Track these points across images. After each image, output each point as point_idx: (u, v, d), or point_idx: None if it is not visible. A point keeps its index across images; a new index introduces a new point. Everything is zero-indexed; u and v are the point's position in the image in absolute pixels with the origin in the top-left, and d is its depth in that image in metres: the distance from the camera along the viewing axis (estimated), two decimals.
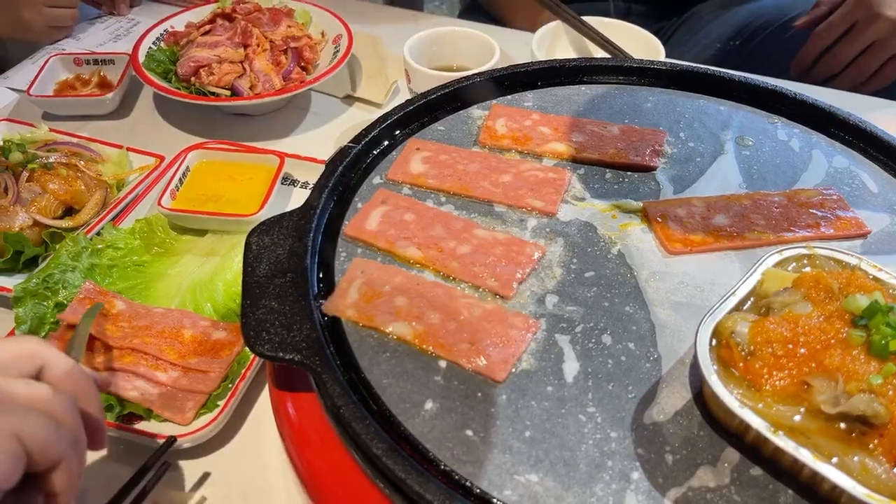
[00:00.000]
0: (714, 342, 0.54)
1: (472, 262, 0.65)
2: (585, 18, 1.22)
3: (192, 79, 1.07)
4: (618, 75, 0.90)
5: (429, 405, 0.55)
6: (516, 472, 0.51)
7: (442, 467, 0.52)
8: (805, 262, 0.60)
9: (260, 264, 0.64)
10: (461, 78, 0.86)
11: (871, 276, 0.58)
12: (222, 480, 0.71)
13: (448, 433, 0.53)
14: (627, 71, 0.90)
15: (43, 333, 0.78)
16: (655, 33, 1.82)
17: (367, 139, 0.78)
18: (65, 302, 0.80)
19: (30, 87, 1.11)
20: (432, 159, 0.75)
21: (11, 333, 0.77)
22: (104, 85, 1.16)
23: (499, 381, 0.56)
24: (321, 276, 0.65)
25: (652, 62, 0.90)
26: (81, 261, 0.83)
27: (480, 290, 0.63)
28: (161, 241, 0.90)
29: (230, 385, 0.74)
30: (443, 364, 0.58)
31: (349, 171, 0.76)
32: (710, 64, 1.22)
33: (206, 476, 0.71)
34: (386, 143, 0.80)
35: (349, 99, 1.19)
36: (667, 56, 1.33)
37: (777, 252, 0.60)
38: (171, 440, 0.66)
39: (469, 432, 0.53)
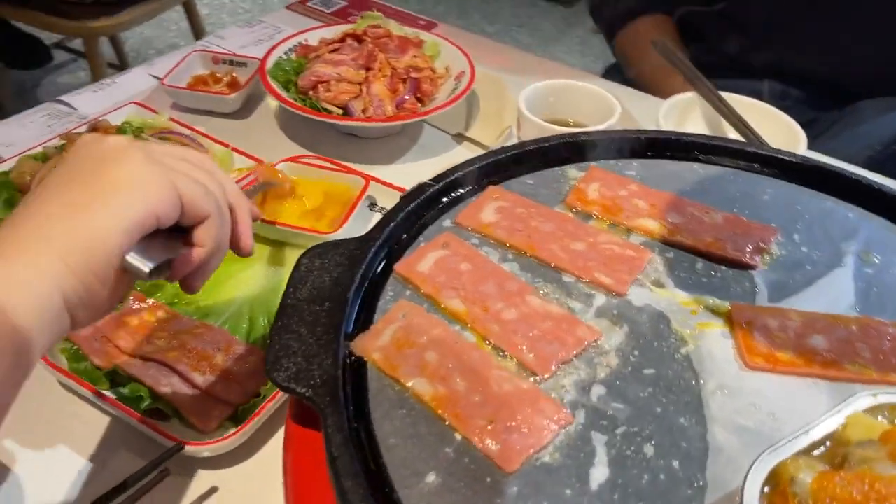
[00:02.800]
0: (768, 487, 0.45)
1: (515, 330, 0.59)
2: (726, 95, 1.13)
3: (310, 92, 1.09)
4: (738, 159, 0.82)
5: (431, 478, 0.50)
6: None
7: None
8: None
9: (303, 287, 0.62)
10: (564, 133, 0.82)
11: None
12: (228, 497, 0.69)
13: None
14: (750, 156, 0.81)
15: None
16: (810, 123, 1.70)
17: (448, 179, 0.74)
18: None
19: (165, 77, 1.17)
20: (507, 210, 0.71)
21: None
22: (234, 85, 1.21)
23: (508, 472, 0.50)
24: (362, 312, 0.62)
25: (779, 151, 0.81)
26: None
27: (516, 363, 0.57)
28: None
29: (259, 402, 0.72)
30: (458, 437, 0.52)
31: (422, 209, 0.72)
32: (864, 166, 1.10)
33: (213, 490, 0.69)
34: (469, 187, 0.76)
35: (460, 137, 1.17)
36: (818, 150, 1.22)
37: (872, 394, 0.50)
38: (179, 447, 0.65)
39: None
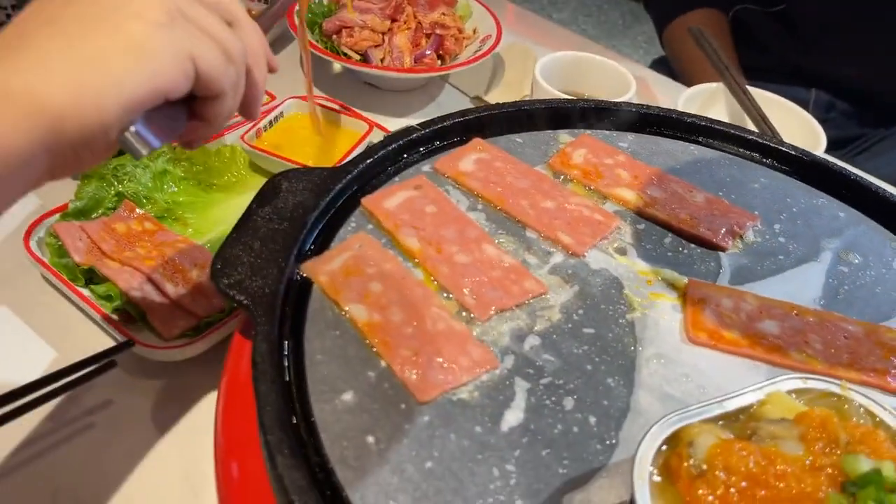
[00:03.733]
0: (667, 447, 0.45)
1: (463, 273, 0.59)
2: (752, 90, 1.10)
3: (334, 36, 1.10)
4: (737, 146, 0.80)
5: (347, 397, 0.51)
6: (394, 499, 0.46)
7: (324, 461, 0.47)
8: (832, 402, 0.49)
9: (267, 204, 0.63)
10: (565, 99, 0.81)
11: None
12: (171, 406, 0.71)
13: (350, 432, 0.49)
14: (750, 144, 0.80)
15: (95, 215, 0.83)
16: (854, 139, 1.65)
17: (437, 127, 0.75)
18: (124, 192, 0.84)
19: None
20: (486, 163, 0.71)
21: (64, 207, 0.81)
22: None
23: (421, 401, 0.50)
24: (321, 238, 0.63)
25: (780, 142, 0.79)
26: (157, 163, 0.87)
27: (461, 308, 0.58)
28: (237, 170, 0.93)
29: (222, 317, 0.74)
30: (382, 364, 0.53)
31: (407, 150, 0.73)
32: None
33: (158, 394, 0.71)
34: (457, 138, 0.76)
35: (478, 100, 1.17)
36: (859, 166, 1.17)
37: (802, 378, 0.49)
38: (129, 343, 0.67)
39: (371, 439, 0.48)
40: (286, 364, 0.52)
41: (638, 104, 0.82)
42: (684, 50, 1.55)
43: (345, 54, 1.08)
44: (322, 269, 0.59)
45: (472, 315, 0.57)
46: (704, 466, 0.43)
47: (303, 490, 0.44)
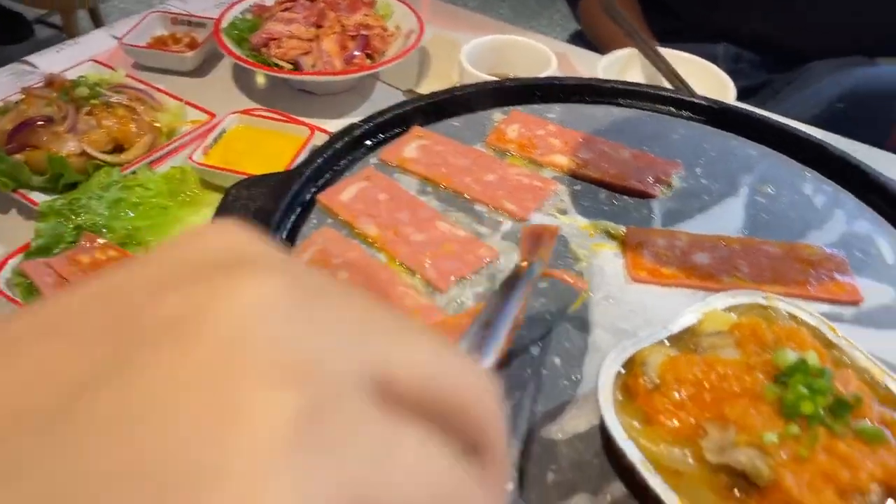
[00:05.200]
0: (624, 370, 0.51)
1: (422, 250, 0.64)
2: (664, 51, 1.18)
3: (262, 49, 1.13)
4: (655, 102, 0.87)
5: None
6: None
7: None
8: (759, 312, 0.55)
9: (229, 214, 0.67)
10: (493, 80, 0.87)
11: (823, 339, 0.53)
12: None
13: None
14: (665, 100, 0.87)
15: (56, 250, 0.85)
16: (764, 85, 1.75)
17: (378, 121, 0.79)
18: (83, 225, 0.86)
19: (123, 37, 1.21)
20: (428, 148, 0.76)
21: (26, 247, 0.83)
22: (193, 45, 1.25)
23: None
24: (285, 238, 0.67)
25: (690, 94, 0.86)
26: (110, 192, 0.90)
27: (424, 283, 0.63)
28: (189, 190, 0.95)
29: None
30: None
31: (353, 147, 0.77)
32: (812, 124, 1.15)
33: None
34: (399, 129, 0.81)
35: (411, 93, 1.21)
36: (770, 109, 1.25)
37: (731, 295, 0.56)
38: None
39: None
40: None
41: (560, 76, 0.88)
42: (598, 22, 1.63)
43: (276, 65, 1.11)
44: None
45: (435, 288, 0.62)
46: (658, 381, 0.49)
47: None
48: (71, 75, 1.07)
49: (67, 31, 2.47)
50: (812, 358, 0.48)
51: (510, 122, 0.81)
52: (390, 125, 0.80)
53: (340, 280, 0.62)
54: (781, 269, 0.65)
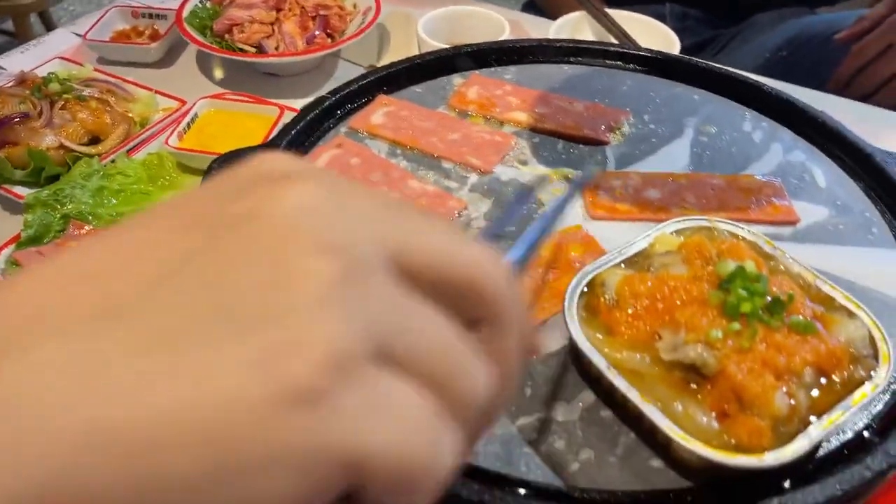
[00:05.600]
0: (586, 291, 0.57)
1: None
2: (615, 12, 1.23)
3: (226, 35, 1.17)
4: (604, 58, 0.93)
5: None
6: None
7: None
8: (704, 233, 0.62)
9: None
10: (451, 47, 0.92)
11: (761, 251, 0.59)
12: None
13: None
14: (612, 55, 0.92)
15: (46, 240, 0.88)
16: (711, 41, 1.82)
17: (344, 92, 0.84)
18: (69, 214, 0.90)
19: (86, 33, 1.23)
20: (393, 114, 0.81)
21: (17, 238, 0.87)
22: (155, 37, 1.27)
23: None
24: None
25: (636, 48, 0.92)
26: (92, 181, 0.93)
27: None
28: (168, 174, 0.99)
29: None
30: None
31: (322, 119, 0.82)
32: (758, 73, 1.21)
33: None
34: (365, 99, 0.85)
35: (372, 69, 1.26)
36: (719, 63, 1.31)
37: (678, 221, 0.62)
38: None
39: None
40: None
41: (513, 39, 0.93)
42: None
43: (240, 49, 1.15)
44: None
45: None
46: (616, 297, 0.55)
47: None
48: (40, 73, 1.10)
49: (21, 36, 2.46)
50: (750, 266, 0.54)
51: (470, 85, 0.86)
52: (357, 95, 0.85)
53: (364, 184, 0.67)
54: (725, 198, 0.71)
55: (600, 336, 0.54)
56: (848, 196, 0.73)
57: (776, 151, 0.78)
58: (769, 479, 0.49)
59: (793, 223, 0.70)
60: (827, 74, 1.46)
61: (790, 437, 0.48)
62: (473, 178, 0.74)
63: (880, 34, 1.26)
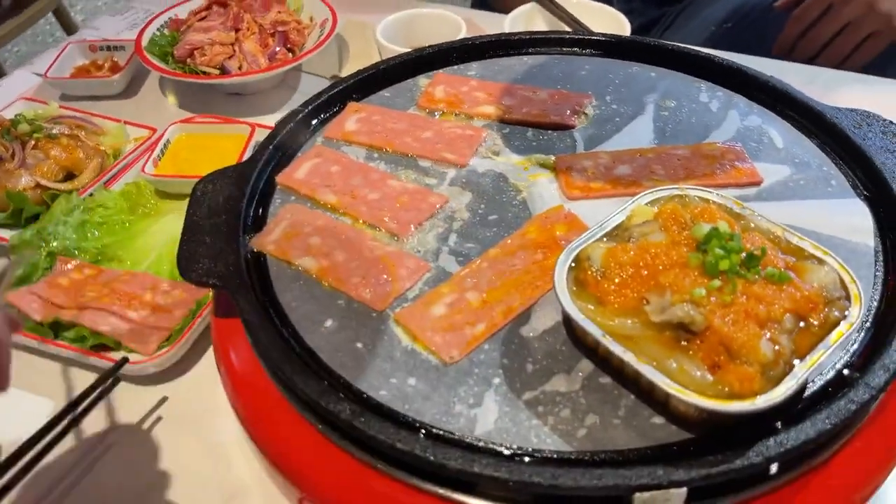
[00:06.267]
0: (573, 266, 0.60)
1: (379, 207, 0.72)
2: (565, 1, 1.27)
3: (188, 60, 1.18)
4: (560, 46, 0.96)
5: (329, 323, 0.63)
6: (393, 377, 0.58)
7: (330, 372, 0.59)
8: (675, 200, 0.65)
9: (201, 207, 0.73)
10: (413, 50, 0.94)
11: (732, 212, 0.63)
12: (178, 403, 0.80)
13: (341, 346, 0.61)
14: (568, 42, 0.96)
15: (35, 278, 0.89)
16: (659, 19, 1.87)
17: (316, 104, 0.86)
18: (55, 251, 0.91)
19: (47, 71, 1.23)
20: (366, 119, 0.83)
21: None
22: (115, 69, 1.28)
23: (377, 310, 0.63)
24: (256, 218, 0.74)
25: (591, 33, 0.96)
26: (73, 216, 0.94)
27: (389, 235, 0.70)
28: (147, 202, 1.01)
29: (190, 320, 0.83)
30: (343, 294, 0.65)
31: (298, 132, 0.84)
32: (706, 46, 1.26)
33: (164, 399, 0.81)
34: (336, 108, 0.88)
35: (336, 79, 1.28)
36: (668, 40, 1.35)
37: (651, 192, 0.66)
38: (124, 360, 0.76)
39: (359, 345, 0.61)
40: (272, 315, 0.63)
41: (471, 37, 0.96)
42: None
43: (204, 72, 1.16)
44: (267, 241, 0.70)
45: (397, 236, 0.70)
46: (602, 269, 0.58)
47: (323, 392, 0.56)
48: (6, 116, 1.10)
49: None
50: (723, 226, 0.58)
51: (436, 84, 0.89)
52: (328, 105, 0.87)
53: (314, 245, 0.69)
54: (691, 166, 0.75)
55: (592, 307, 0.57)
56: (805, 153, 0.77)
57: (733, 118, 0.82)
58: (763, 422, 0.53)
59: (757, 184, 0.74)
60: (771, 41, 1.52)
61: (778, 380, 0.51)
62: (451, 172, 0.77)
63: None
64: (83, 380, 0.82)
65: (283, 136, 0.82)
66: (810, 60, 1.41)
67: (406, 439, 0.53)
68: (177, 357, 0.81)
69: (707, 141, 0.79)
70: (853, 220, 0.70)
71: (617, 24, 1.21)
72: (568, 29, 1.21)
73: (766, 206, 0.71)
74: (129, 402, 0.80)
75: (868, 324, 0.60)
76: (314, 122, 0.86)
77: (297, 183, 0.76)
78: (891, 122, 0.79)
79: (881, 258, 0.66)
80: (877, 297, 0.63)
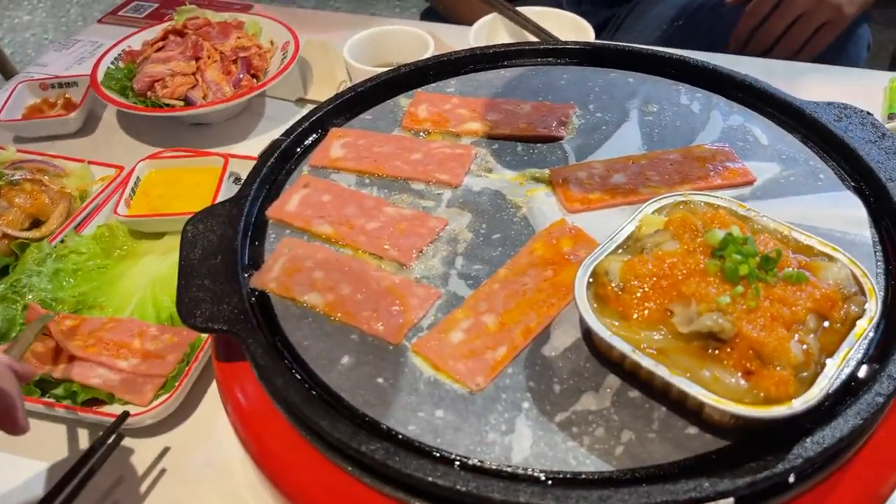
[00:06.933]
0: (591, 281, 0.60)
1: (378, 235, 0.71)
2: (523, 9, 1.28)
3: (148, 93, 1.14)
4: (535, 57, 0.96)
5: (345, 360, 0.61)
6: (420, 410, 0.57)
7: (354, 411, 0.58)
8: (681, 207, 0.65)
9: (194, 249, 0.71)
10: (388, 70, 0.93)
11: (737, 215, 0.63)
12: (181, 453, 0.77)
13: (361, 383, 0.59)
14: (543, 52, 0.96)
15: (14, 334, 0.85)
16: (608, 20, 1.89)
17: (297, 132, 0.84)
18: (32, 302, 0.87)
19: None
20: (351, 144, 0.82)
21: None
22: (69, 106, 1.23)
23: (393, 343, 0.62)
24: (252, 256, 0.72)
25: (565, 42, 0.96)
26: (46, 266, 0.90)
27: (393, 264, 0.69)
28: (122, 244, 0.97)
29: (185, 367, 0.80)
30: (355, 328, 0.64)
31: (282, 162, 0.82)
32: (658, 45, 1.28)
33: (166, 450, 0.77)
34: (316, 134, 0.86)
35: (301, 101, 1.26)
36: (620, 39, 1.37)
37: (655, 200, 0.66)
38: (125, 414, 0.73)
39: (380, 380, 0.59)
40: (286, 357, 0.61)
41: (446, 53, 0.95)
42: None
43: (167, 105, 1.13)
44: (268, 278, 0.68)
45: (401, 264, 0.69)
46: (622, 283, 0.58)
47: (353, 434, 0.54)
48: None
49: None
50: (736, 231, 0.58)
51: (418, 104, 0.88)
52: (308, 133, 0.85)
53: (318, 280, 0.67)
54: (684, 170, 0.76)
55: (615, 322, 0.57)
56: (790, 149, 0.79)
57: (716, 119, 0.83)
58: (794, 423, 0.53)
59: (750, 183, 0.75)
60: (723, 37, 1.55)
61: (811, 382, 0.52)
62: (447, 193, 0.76)
63: None
64: (79, 437, 0.78)
65: (268, 168, 0.80)
66: (764, 53, 1.45)
67: (446, 474, 0.52)
68: (175, 405, 0.78)
69: (695, 143, 0.80)
70: (847, 212, 0.71)
71: (579, 29, 1.22)
72: (532, 38, 1.21)
73: (762, 204, 0.72)
74: (129, 457, 0.76)
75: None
76: (298, 150, 0.84)
77: (290, 216, 0.74)
78: (868, 112, 0.81)
79: (880, 248, 0.68)
80: (882, 287, 0.64)
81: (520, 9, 1.27)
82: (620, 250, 0.62)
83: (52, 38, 4.11)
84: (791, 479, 0.51)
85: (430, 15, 1.91)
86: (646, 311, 0.57)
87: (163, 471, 0.76)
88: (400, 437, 0.56)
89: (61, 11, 4.38)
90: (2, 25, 4.09)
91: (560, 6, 1.78)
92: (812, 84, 1.26)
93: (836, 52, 1.39)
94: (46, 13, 4.40)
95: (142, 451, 0.77)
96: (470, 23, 1.55)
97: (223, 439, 0.79)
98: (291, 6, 1.61)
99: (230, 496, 0.73)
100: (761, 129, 0.82)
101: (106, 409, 0.77)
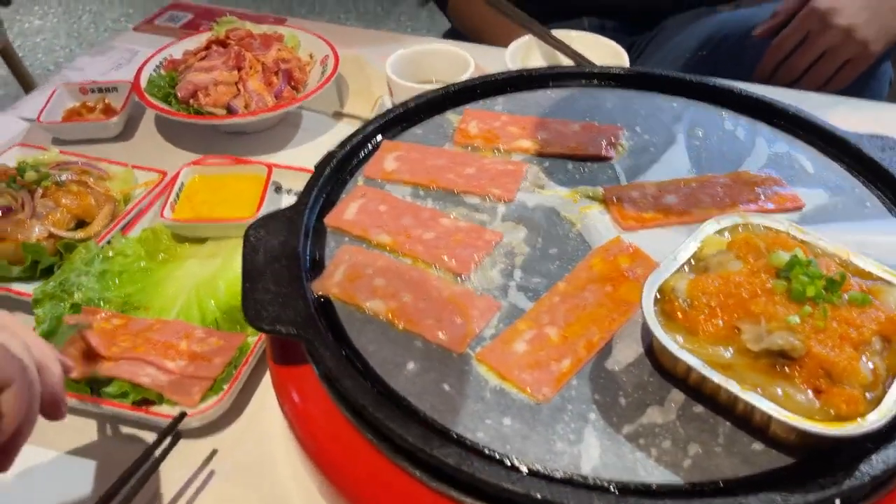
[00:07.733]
0: (658, 298, 0.61)
1: (436, 246, 0.72)
2: (554, 32, 1.30)
3: (191, 100, 1.16)
4: (581, 80, 0.98)
5: (410, 366, 0.62)
6: (487, 418, 0.58)
7: (422, 416, 0.58)
8: (739, 229, 0.67)
9: (257, 254, 0.72)
10: (438, 88, 0.95)
11: (797, 239, 0.65)
12: (229, 455, 0.78)
13: (428, 389, 0.60)
14: (589, 76, 0.98)
15: (61, 332, 0.85)
16: (629, 48, 1.92)
17: (351, 144, 0.86)
18: (80, 303, 0.87)
19: (40, 115, 1.19)
20: (404, 157, 0.83)
21: None
22: (108, 111, 1.25)
23: (457, 352, 0.63)
24: (312, 262, 0.73)
25: (612, 67, 0.98)
26: (94, 266, 0.91)
27: (450, 274, 0.70)
28: (166, 248, 0.98)
29: (233, 370, 0.81)
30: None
31: (337, 173, 0.83)
32: (683, 72, 1.30)
33: (214, 452, 0.78)
34: (369, 147, 0.87)
35: (338, 115, 1.27)
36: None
37: (715, 221, 0.67)
38: (182, 414, 0.73)
39: (446, 386, 0.60)
40: (354, 361, 0.62)
41: (495, 73, 0.97)
42: (473, 15, 1.74)
43: (209, 113, 1.14)
44: (330, 284, 0.69)
45: (458, 274, 0.70)
46: (690, 300, 0.59)
47: (426, 438, 0.55)
48: (3, 163, 1.06)
49: None
50: (800, 253, 0.60)
51: (468, 120, 0.89)
52: (362, 145, 0.87)
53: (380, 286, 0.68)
54: (734, 193, 0.77)
55: (681, 338, 0.58)
56: (836, 177, 0.81)
57: (761, 146, 0.85)
58: (856, 443, 0.54)
59: (799, 208, 0.77)
60: (748, 69, 1.58)
61: (876, 402, 0.53)
62: (501, 208, 0.78)
63: (796, 27, 1.38)
64: (127, 437, 0.79)
65: (325, 178, 0.81)
66: (790, 85, 1.48)
67: (519, 480, 0.53)
68: (224, 408, 0.79)
69: (742, 168, 0.82)
70: (893, 239, 0.73)
71: (615, 54, 1.24)
72: (569, 61, 1.23)
73: (812, 229, 0.73)
74: (176, 458, 0.76)
75: None
76: (350, 161, 0.85)
77: (348, 224, 0.75)
78: None
79: None
80: None
81: (555, 32, 1.30)
82: (685, 269, 0.63)
83: (63, 43, 4.15)
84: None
85: (453, 34, 1.94)
86: (712, 328, 0.58)
87: (211, 473, 0.76)
88: (468, 443, 0.57)
89: (73, 17, 4.42)
90: (13, 30, 4.11)
91: (581, 31, 1.81)
92: (843, 116, 1.28)
93: (860, 87, 1.42)
94: (58, 19, 4.44)
95: (188, 453, 0.77)
96: (496, 44, 1.59)
97: (268, 442, 0.79)
98: (320, 20, 1.63)
99: (279, 500, 0.74)
100: (806, 157, 0.84)
101: (154, 408, 0.78)
